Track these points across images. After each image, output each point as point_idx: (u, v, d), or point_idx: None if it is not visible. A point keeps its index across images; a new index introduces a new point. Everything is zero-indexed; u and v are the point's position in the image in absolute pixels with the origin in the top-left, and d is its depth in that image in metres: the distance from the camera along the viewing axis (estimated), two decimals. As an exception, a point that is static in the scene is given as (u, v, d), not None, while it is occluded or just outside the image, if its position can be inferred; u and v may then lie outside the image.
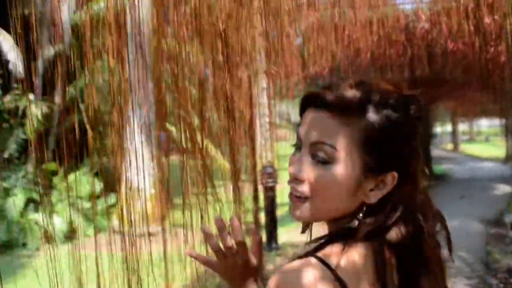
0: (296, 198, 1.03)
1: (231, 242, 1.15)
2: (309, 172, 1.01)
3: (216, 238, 1.17)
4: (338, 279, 0.93)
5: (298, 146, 1.05)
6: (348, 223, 1.02)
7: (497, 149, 29.74)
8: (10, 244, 9.36)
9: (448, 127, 36.78)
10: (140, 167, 3.05)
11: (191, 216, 3.21)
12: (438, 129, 27.29)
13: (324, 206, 1.02)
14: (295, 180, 1.03)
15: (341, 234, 1.01)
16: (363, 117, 0.98)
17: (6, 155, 10.88)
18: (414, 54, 5.67)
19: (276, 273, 0.98)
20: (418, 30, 5.56)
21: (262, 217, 7.79)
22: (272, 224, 8.27)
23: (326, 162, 1.00)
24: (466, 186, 16.06)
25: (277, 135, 7.17)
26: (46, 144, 6.59)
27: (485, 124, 45.38)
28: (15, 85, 10.46)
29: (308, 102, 1.04)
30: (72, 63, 2.84)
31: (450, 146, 36.19)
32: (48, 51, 8.58)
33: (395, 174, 0.99)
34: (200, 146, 3.04)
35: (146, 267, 2.93)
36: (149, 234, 3.17)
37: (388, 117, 0.98)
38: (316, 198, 1.01)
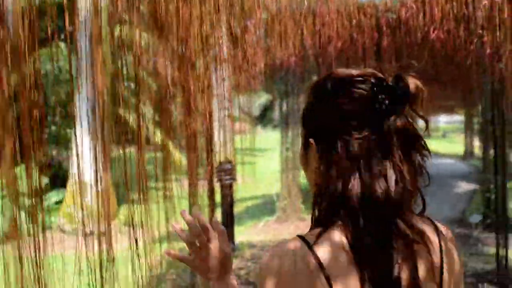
0: None
1: (199, 231, 1.32)
2: None
3: (186, 232, 1.35)
4: (315, 257, 1.07)
5: None
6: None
7: (454, 146, 30.48)
8: None
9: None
10: (87, 162, 2.89)
11: (139, 213, 3.07)
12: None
13: (307, 180, 1.27)
14: None
15: (316, 215, 1.16)
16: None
17: None
18: (389, 44, 5.31)
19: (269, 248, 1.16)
20: (402, 16, 5.12)
21: (219, 214, 7.66)
22: (229, 224, 8.12)
23: None
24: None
25: (238, 128, 7.02)
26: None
27: (442, 120, 46.31)
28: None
29: None
30: (19, 48, 2.66)
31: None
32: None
33: (311, 140, 1.19)
34: (155, 139, 2.90)
35: (91, 270, 2.78)
36: (95, 234, 3.01)
37: (309, 97, 1.24)
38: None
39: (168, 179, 3.40)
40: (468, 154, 24.94)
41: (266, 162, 15.31)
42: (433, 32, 4.60)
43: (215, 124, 6.39)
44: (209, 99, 4.46)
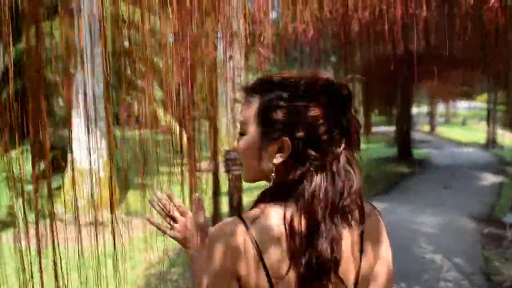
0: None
1: (170, 206, 1.69)
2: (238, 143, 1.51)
3: (160, 206, 1.69)
4: (250, 234, 1.35)
5: None
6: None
7: (474, 133, 30.18)
8: None
9: (424, 108, 37.07)
10: (88, 145, 2.86)
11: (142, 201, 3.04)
12: (414, 110, 27.29)
13: (248, 168, 1.50)
14: None
15: (262, 196, 1.44)
16: (259, 98, 1.45)
17: None
18: (428, 18, 4.57)
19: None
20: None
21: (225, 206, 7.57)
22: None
23: (242, 134, 1.49)
24: (447, 174, 16.06)
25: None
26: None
27: (461, 106, 45.93)
28: None
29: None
30: (14, 22, 2.63)
31: (426, 128, 36.69)
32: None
33: (286, 139, 1.39)
34: (162, 121, 2.87)
35: (92, 264, 2.75)
36: (99, 224, 2.98)
37: (276, 96, 1.41)
38: (243, 161, 1.50)
39: (174, 164, 3.36)
40: (490, 143, 24.74)
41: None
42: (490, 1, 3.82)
43: (223, 108, 6.29)
44: (215, 79, 4.38)
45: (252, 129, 1.46)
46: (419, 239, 8.36)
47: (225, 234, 1.38)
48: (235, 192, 7.69)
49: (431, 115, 36.18)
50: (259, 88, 1.47)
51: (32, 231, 2.69)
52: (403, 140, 19.97)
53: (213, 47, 3.66)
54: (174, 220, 1.70)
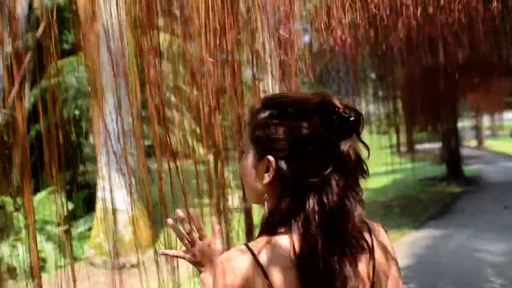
0: None
1: (191, 229, 1.68)
2: None
3: (180, 229, 1.69)
4: (257, 263, 1.37)
5: None
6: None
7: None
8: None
9: (467, 122, 36.42)
10: (117, 183, 2.83)
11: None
12: (458, 124, 26.55)
13: (247, 188, 1.55)
14: None
15: (266, 224, 1.45)
16: (253, 119, 1.51)
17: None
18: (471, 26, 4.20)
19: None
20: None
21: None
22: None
23: (242, 154, 1.56)
24: (504, 192, 15.44)
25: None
26: (10, 159, 6.31)
27: (507, 117, 45.05)
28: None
29: None
30: (36, 61, 2.64)
31: (473, 143, 36.04)
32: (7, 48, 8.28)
33: (270, 158, 1.44)
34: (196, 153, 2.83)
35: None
36: (132, 266, 2.94)
37: (267, 116, 1.47)
38: (243, 181, 1.56)
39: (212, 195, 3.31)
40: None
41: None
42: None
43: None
44: (241, 107, 4.32)
45: (248, 148, 1.53)
46: (485, 271, 7.66)
47: (232, 262, 1.41)
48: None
49: (477, 128, 35.60)
50: (259, 108, 1.52)
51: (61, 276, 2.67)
52: (452, 157, 19.58)
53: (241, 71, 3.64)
54: (192, 243, 1.71)
